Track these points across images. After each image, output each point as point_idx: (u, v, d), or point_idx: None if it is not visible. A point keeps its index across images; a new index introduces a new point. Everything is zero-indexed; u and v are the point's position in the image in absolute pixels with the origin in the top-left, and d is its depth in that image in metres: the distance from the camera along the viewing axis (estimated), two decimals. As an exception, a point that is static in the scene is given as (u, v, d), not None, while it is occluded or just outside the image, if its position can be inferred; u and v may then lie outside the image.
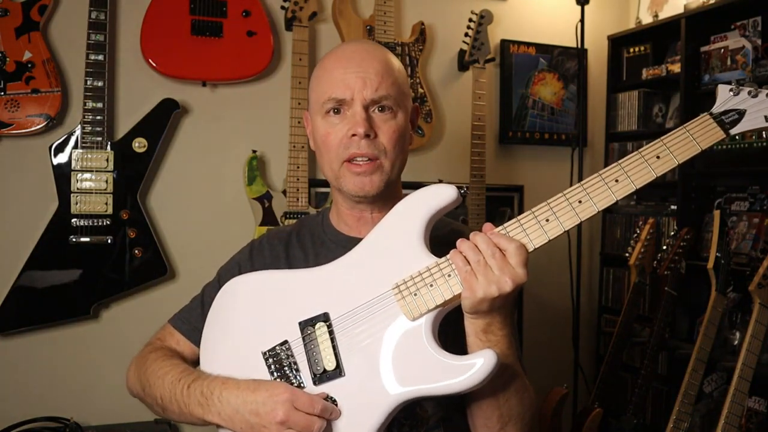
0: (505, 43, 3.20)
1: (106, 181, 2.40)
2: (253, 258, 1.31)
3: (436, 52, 3.06)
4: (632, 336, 2.87)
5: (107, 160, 2.40)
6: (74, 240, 2.38)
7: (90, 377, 2.52)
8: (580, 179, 1.03)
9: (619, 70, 3.44)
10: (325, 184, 2.40)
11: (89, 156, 2.38)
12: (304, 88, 2.56)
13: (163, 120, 2.51)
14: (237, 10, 2.59)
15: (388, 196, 1.20)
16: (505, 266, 0.99)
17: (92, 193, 2.39)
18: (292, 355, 1.12)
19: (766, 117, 1.01)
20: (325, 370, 1.09)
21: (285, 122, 2.63)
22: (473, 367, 0.98)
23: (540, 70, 3.27)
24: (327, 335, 1.10)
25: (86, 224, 2.39)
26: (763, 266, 2.15)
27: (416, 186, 1.14)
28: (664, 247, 2.70)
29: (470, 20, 2.91)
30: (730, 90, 1.03)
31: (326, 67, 1.20)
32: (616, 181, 1.02)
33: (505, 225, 1.04)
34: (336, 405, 1.07)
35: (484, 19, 2.88)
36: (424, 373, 1.02)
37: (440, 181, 2.78)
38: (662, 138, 1.03)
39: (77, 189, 2.38)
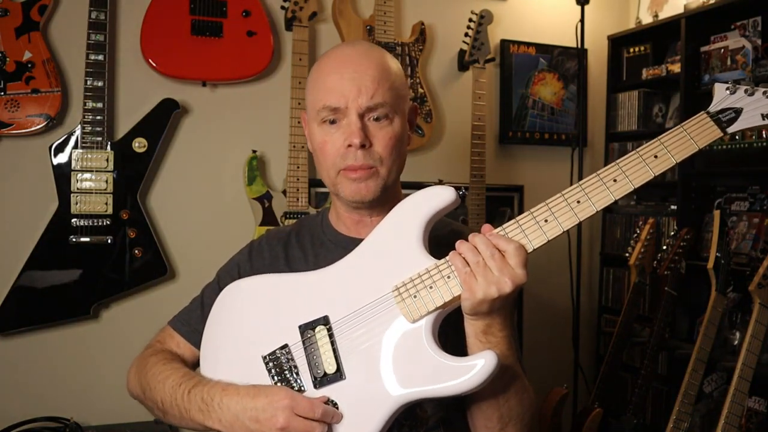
0: (505, 43, 3.19)
1: (106, 181, 2.40)
2: (252, 259, 1.31)
3: (436, 52, 3.05)
4: (632, 336, 2.87)
5: (107, 160, 2.40)
6: (74, 240, 2.38)
7: (90, 377, 2.52)
8: (580, 179, 1.02)
9: (619, 70, 3.43)
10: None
11: (89, 156, 2.38)
12: (304, 88, 2.53)
13: (163, 120, 2.51)
14: (237, 10, 2.58)
15: (386, 199, 1.20)
16: (504, 267, 0.99)
17: (92, 193, 2.39)
18: (293, 359, 1.11)
19: (762, 115, 1.01)
20: (325, 374, 1.08)
21: (285, 122, 2.63)
22: (474, 368, 0.98)
23: (540, 70, 3.27)
24: (327, 338, 1.09)
25: (86, 224, 2.39)
26: (763, 266, 2.15)
27: (416, 186, 1.14)
28: (664, 247, 2.69)
29: (470, 20, 2.91)
30: (727, 89, 1.03)
31: (322, 70, 1.20)
32: (615, 180, 1.02)
33: (504, 226, 1.04)
34: (337, 408, 1.07)
35: (484, 19, 2.88)
36: (425, 375, 1.02)
37: (440, 182, 2.78)
38: (660, 137, 1.02)
39: (77, 189, 2.37)
